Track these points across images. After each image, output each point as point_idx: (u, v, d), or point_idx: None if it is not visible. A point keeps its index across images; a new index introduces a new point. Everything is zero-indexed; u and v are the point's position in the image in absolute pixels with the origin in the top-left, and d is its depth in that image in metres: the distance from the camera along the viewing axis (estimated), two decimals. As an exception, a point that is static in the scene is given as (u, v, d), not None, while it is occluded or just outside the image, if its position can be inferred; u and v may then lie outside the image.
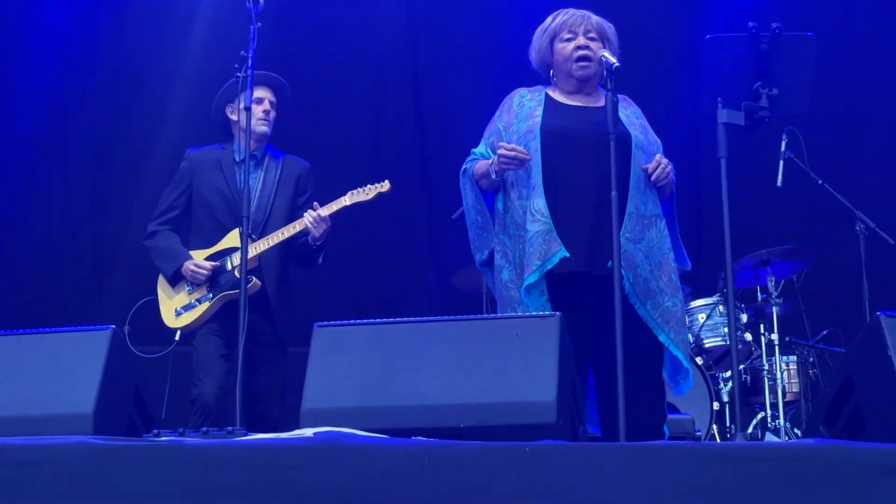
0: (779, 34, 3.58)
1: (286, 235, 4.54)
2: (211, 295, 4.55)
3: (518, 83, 3.95)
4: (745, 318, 6.03)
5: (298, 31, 6.85)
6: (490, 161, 3.69)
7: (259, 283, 4.50)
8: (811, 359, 6.19)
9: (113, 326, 3.12)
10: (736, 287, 6.00)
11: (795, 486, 2.36)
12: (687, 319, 5.91)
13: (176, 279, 4.60)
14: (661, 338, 3.60)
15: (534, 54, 3.91)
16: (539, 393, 2.82)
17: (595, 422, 3.67)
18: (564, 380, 2.89)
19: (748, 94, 3.58)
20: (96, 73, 6.87)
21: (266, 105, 4.67)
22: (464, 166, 3.82)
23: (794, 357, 6.13)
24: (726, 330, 5.90)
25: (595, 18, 3.83)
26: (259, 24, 4.10)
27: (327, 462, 2.46)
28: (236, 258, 4.50)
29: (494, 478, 2.40)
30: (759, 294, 6.19)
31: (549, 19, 3.88)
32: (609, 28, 3.84)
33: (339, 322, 3.08)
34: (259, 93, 4.59)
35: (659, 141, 3.84)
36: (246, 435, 2.72)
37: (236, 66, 4.17)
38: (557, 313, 3.03)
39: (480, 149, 3.83)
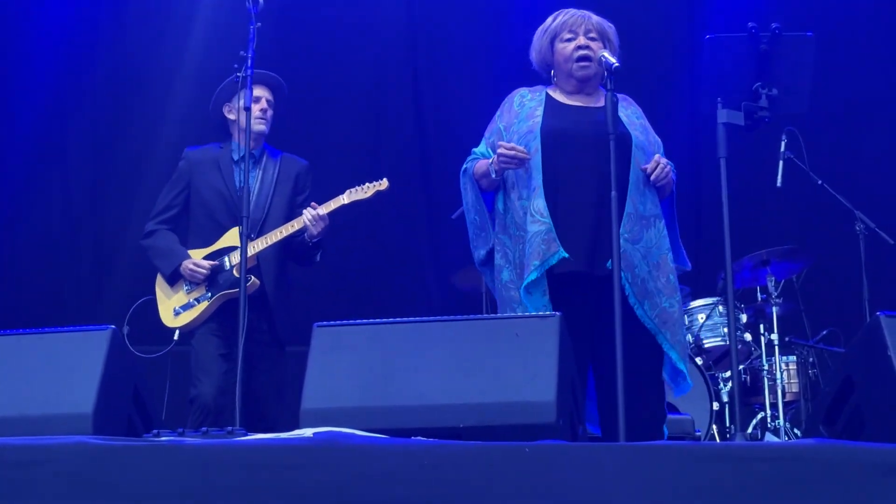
0: (778, 34, 3.58)
1: (284, 234, 4.54)
2: (209, 294, 4.55)
3: (518, 83, 3.95)
4: (744, 318, 6.03)
5: (298, 31, 6.85)
6: (490, 160, 3.69)
7: (258, 282, 4.50)
8: (811, 359, 6.19)
9: (112, 326, 3.12)
10: (736, 287, 6.00)
11: (795, 486, 2.36)
12: (687, 319, 5.94)
13: (174, 278, 4.60)
14: (658, 338, 3.61)
15: (534, 54, 3.90)
16: (539, 393, 2.82)
17: (595, 421, 3.67)
18: (564, 380, 2.89)
19: (748, 94, 3.58)
20: (96, 73, 6.87)
21: (263, 104, 4.67)
22: (464, 166, 3.82)
23: (794, 357, 6.13)
24: (726, 330, 5.91)
25: (595, 18, 3.83)
26: (259, 24, 4.10)
27: (327, 462, 2.46)
28: (235, 257, 4.50)
29: (494, 478, 2.40)
30: (758, 294, 6.19)
31: (549, 19, 3.88)
32: (610, 28, 3.84)
33: (338, 322, 3.08)
34: (256, 91, 4.58)
35: (660, 141, 3.84)
36: (245, 435, 2.72)
37: (236, 66, 4.17)
38: (557, 313, 3.03)
39: (481, 148, 3.83)
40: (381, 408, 2.86)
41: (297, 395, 2.96)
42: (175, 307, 4.59)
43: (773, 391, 5.83)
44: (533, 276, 3.52)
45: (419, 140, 7.19)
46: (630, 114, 3.80)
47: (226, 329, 4.50)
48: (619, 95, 3.77)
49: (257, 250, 4.50)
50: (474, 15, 7.02)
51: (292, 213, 4.64)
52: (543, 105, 3.77)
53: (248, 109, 4.12)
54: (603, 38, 3.79)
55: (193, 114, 6.14)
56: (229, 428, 2.78)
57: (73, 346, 3.08)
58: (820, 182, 5.81)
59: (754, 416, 6.06)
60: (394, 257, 7.07)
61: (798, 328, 6.20)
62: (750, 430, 5.96)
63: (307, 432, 2.72)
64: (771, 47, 3.57)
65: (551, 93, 3.85)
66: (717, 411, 5.60)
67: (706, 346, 5.94)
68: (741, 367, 5.97)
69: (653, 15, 6.94)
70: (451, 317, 3.06)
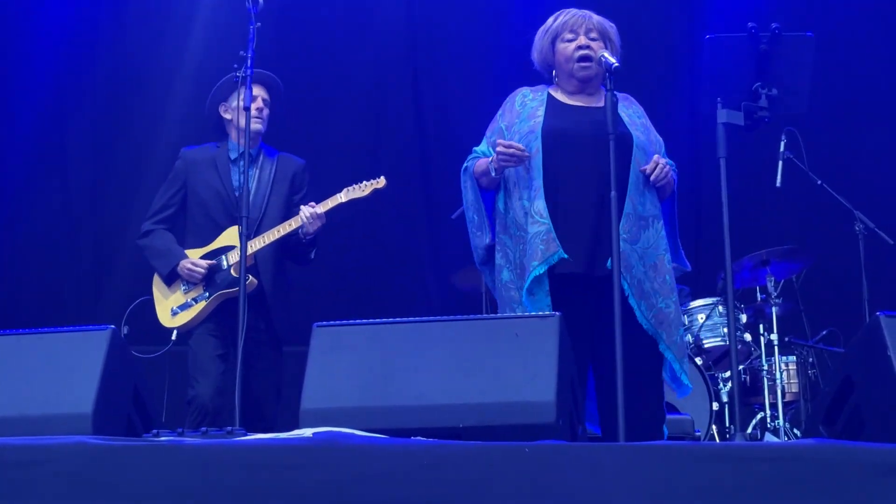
0: (778, 34, 3.58)
1: (282, 233, 4.53)
2: (207, 294, 4.54)
3: (518, 83, 3.94)
4: (744, 318, 6.03)
5: (298, 31, 6.85)
6: (490, 159, 3.69)
7: (255, 281, 4.50)
8: (810, 359, 6.19)
9: (112, 326, 3.13)
10: (735, 287, 6.00)
11: (795, 487, 2.36)
12: (686, 319, 5.94)
13: (171, 278, 4.59)
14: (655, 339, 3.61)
15: (536, 55, 3.90)
16: (538, 393, 2.82)
17: (596, 421, 3.67)
18: (564, 380, 2.89)
19: (748, 94, 3.58)
20: (96, 73, 6.87)
21: (259, 103, 4.65)
22: (465, 164, 3.82)
23: (794, 357, 6.13)
24: (726, 330, 5.90)
25: (596, 18, 3.82)
26: (258, 23, 4.09)
27: (327, 462, 2.46)
28: (232, 256, 4.50)
29: (494, 478, 2.40)
30: (758, 294, 6.19)
31: (550, 20, 3.87)
32: (611, 28, 3.84)
33: (338, 322, 3.08)
34: (252, 91, 4.58)
35: (661, 140, 3.84)
36: (245, 435, 2.73)
37: (235, 65, 4.17)
38: (557, 313, 3.03)
39: (482, 147, 3.83)
40: (380, 408, 2.86)
41: (296, 395, 2.96)
42: (172, 307, 4.59)
43: (772, 391, 5.83)
44: (536, 273, 3.52)
45: (419, 140, 7.19)
46: (631, 113, 3.80)
47: (223, 329, 4.50)
48: (621, 95, 3.77)
49: (255, 249, 4.50)
50: (474, 15, 7.02)
51: (289, 212, 4.63)
52: (545, 105, 3.77)
53: (247, 109, 4.12)
54: (604, 38, 3.79)
55: (193, 114, 6.12)
56: (229, 428, 2.78)
57: (73, 346, 3.08)
58: (819, 182, 5.81)
59: (754, 416, 6.06)
60: (394, 257, 7.07)
61: (798, 328, 6.20)
62: (750, 430, 5.97)
63: (307, 432, 2.72)
64: (771, 47, 3.57)
65: (553, 93, 3.85)
66: (716, 411, 5.60)
67: (706, 346, 5.94)
68: (741, 367, 5.97)
69: (653, 15, 6.94)
70: (451, 317, 3.06)
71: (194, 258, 4.57)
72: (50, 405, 2.94)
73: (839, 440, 2.83)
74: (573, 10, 3.85)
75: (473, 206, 3.80)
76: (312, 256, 4.67)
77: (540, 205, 3.58)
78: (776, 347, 5.87)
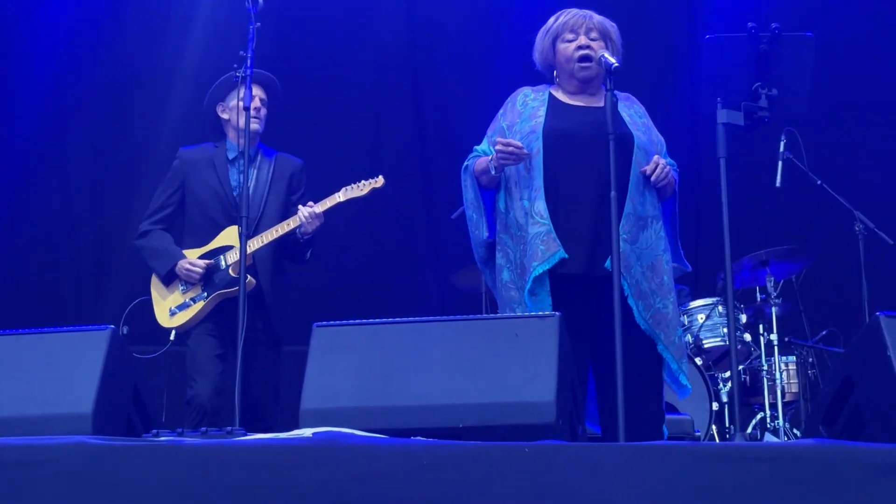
0: (778, 34, 3.58)
1: (280, 233, 4.53)
2: (205, 294, 4.54)
3: (518, 83, 3.94)
4: (744, 318, 6.03)
5: (298, 31, 6.85)
6: (490, 157, 3.69)
7: (254, 281, 4.49)
8: (810, 359, 6.19)
9: (112, 326, 3.12)
10: (735, 287, 5.99)
11: (795, 487, 2.36)
12: (686, 320, 5.94)
13: (170, 279, 4.59)
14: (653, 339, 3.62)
15: (537, 55, 3.90)
16: (538, 393, 2.82)
17: (596, 420, 3.67)
18: (564, 380, 2.89)
19: (748, 94, 3.58)
20: (96, 73, 6.87)
21: (257, 102, 4.64)
22: (465, 163, 3.82)
23: (794, 357, 6.13)
24: (725, 330, 5.90)
25: (597, 18, 3.82)
26: (258, 23, 4.10)
27: (327, 462, 2.46)
28: (230, 256, 4.50)
29: (494, 478, 2.40)
30: (758, 294, 6.19)
31: (551, 20, 3.87)
32: (612, 27, 3.84)
33: (338, 322, 3.08)
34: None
35: (663, 140, 3.84)
36: (245, 435, 2.73)
37: (235, 65, 4.17)
38: (557, 313, 3.03)
39: (483, 146, 3.83)
40: (380, 408, 2.86)
41: (296, 394, 2.96)
42: (171, 307, 4.59)
43: (772, 391, 5.83)
44: (537, 273, 3.52)
45: (419, 140, 7.19)
46: (633, 113, 3.79)
47: (222, 329, 4.50)
48: (622, 95, 3.77)
49: (253, 249, 4.49)
50: (474, 15, 7.02)
51: (287, 211, 4.63)
52: (546, 105, 3.77)
53: (247, 109, 4.12)
54: (605, 38, 3.79)
55: (193, 114, 6.11)
56: (229, 428, 2.78)
57: (73, 346, 3.08)
58: (819, 182, 5.80)
59: (754, 416, 6.06)
60: (393, 257, 7.07)
61: (797, 328, 6.20)
62: (749, 430, 5.97)
63: (307, 432, 2.72)
64: (771, 47, 3.57)
65: (554, 93, 3.84)
66: (716, 411, 5.60)
67: (706, 346, 5.94)
68: (741, 367, 5.97)
69: (653, 15, 6.94)
70: (451, 317, 3.06)
71: (192, 258, 4.57)
72: (50, 405, 2.94)
73: (839, 440, 2.82)
74: (574, 11, 3.85)
75: (473, 205, 3.80)
76: (308, 256, 4.67)
77: (540, 205, 3.58)
78: (776, 347, 5.88)
